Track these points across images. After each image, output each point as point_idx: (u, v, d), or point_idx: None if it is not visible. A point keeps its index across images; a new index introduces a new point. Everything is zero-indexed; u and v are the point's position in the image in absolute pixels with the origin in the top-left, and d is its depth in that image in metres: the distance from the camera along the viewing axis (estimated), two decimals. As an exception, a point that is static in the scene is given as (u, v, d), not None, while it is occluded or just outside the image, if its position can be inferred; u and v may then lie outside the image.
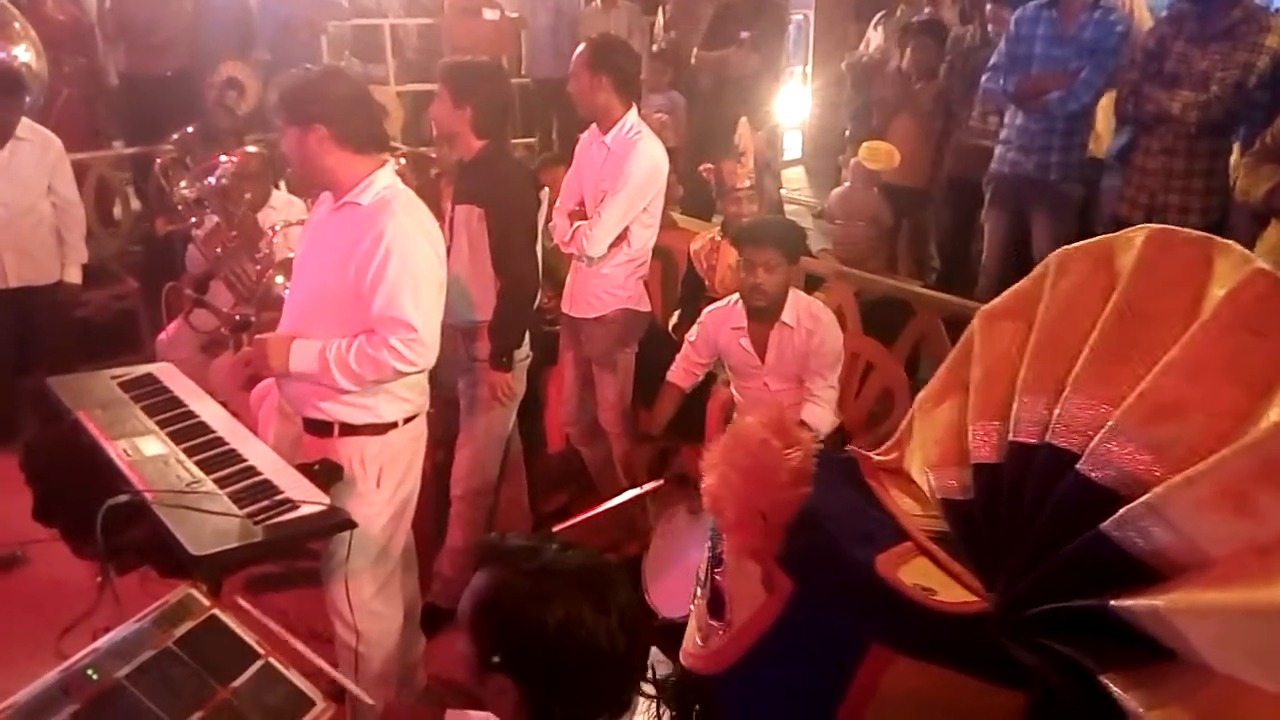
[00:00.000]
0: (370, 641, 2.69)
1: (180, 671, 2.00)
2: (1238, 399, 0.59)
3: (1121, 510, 0.59)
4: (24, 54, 4.60)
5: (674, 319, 4.37)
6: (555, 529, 3.07)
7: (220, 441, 2.56)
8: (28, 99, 4.36)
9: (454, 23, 6.81)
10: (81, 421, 2.61)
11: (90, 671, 1.93)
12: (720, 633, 0.66)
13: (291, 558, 3.22)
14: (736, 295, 3.41)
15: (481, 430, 3.44)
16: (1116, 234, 0.75)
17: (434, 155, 4.26)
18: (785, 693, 0.62)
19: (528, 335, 3.47)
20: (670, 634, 3.01)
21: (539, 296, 3.47)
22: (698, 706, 0.68)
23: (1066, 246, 0.76)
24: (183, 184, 4.21)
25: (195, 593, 2.16)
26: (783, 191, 7.45)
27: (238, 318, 3.57)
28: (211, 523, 2.23)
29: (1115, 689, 0.53)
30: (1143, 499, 0.58)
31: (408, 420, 2.69)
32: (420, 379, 2.72)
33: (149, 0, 5.83)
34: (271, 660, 1.97)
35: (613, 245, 3.52)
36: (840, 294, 3.86)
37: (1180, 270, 0.68)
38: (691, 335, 3.56)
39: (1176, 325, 0.64)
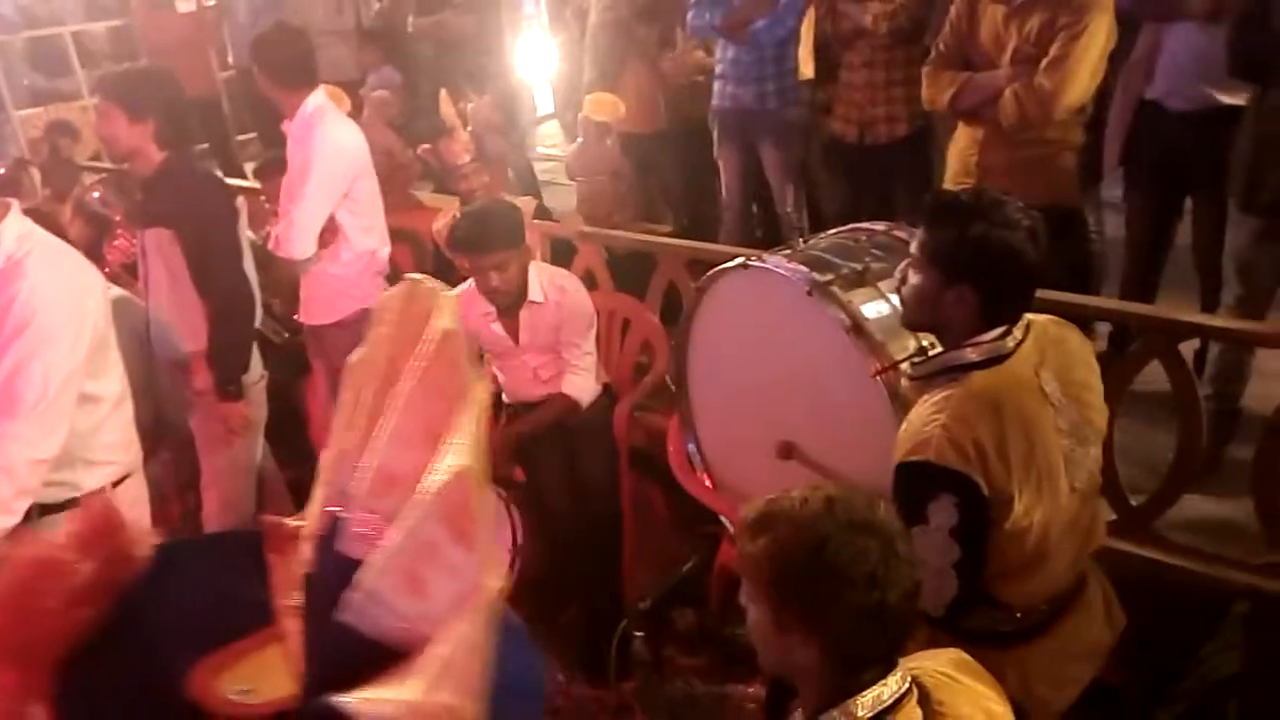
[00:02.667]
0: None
1: None
2: (424, 454, 0.55)
3: (352, 597, 0.53)
4: None
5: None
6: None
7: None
8: None
9: (146, 20, 6.22)
10: None
11: None
12: None
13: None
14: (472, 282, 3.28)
15: (224, 466, 3.19)
16: (418, 279, 0.67)
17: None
18: None
19: (257, 354, 3.22)
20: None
21: (258, 313, 3.21)
22: None
23: (388, 292, 0.67)
24: None
25: None
26: (539, 149, 7.33)
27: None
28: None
29: None
30: (361, 586, 0.53)
31: (117, 484, 2.39)
32: (122, 433, 2.41)
33: None
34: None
35: (328, 243, 3.31)
36: (588, 254, 3.80)
37: (415, 325, 0.62)
38: (441, 323, 3.41)
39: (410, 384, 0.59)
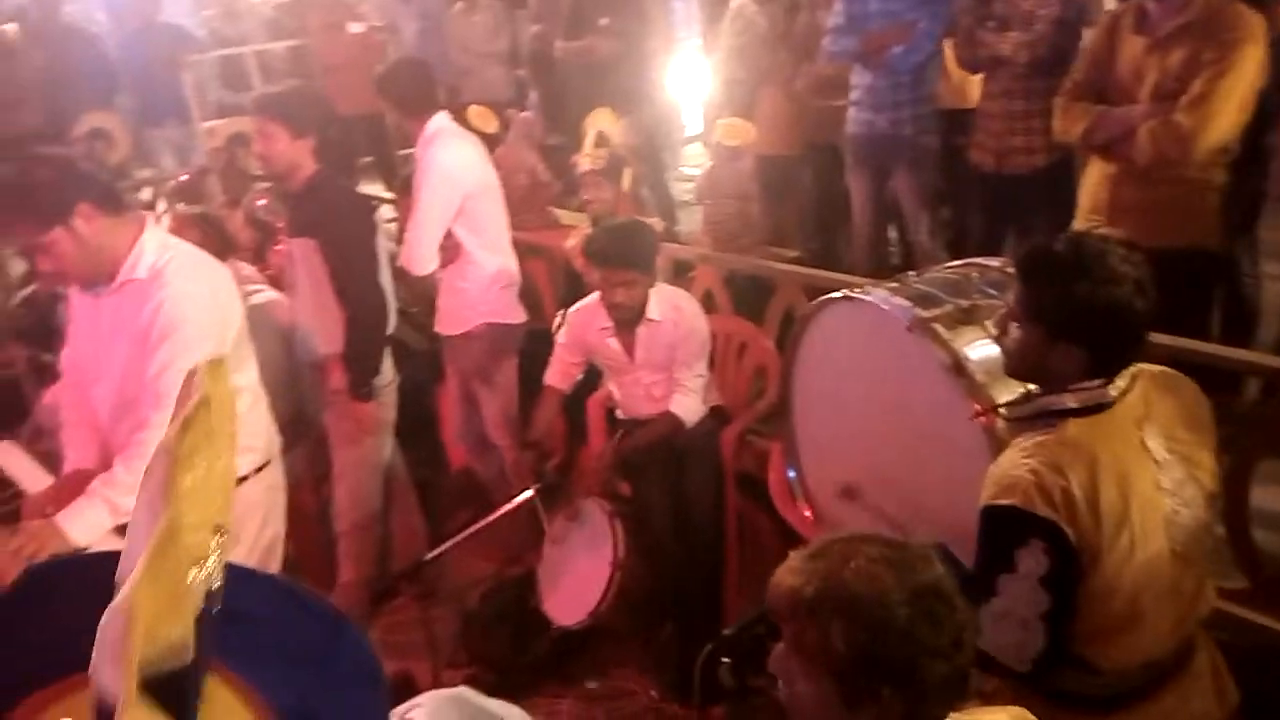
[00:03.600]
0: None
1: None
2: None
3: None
4: None
5: (559, 319, 4.32)
6: (430, 554, 3.04)
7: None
8: None
9: (320, 40, 6.68)
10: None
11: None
12: None
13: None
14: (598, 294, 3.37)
15: (354, 464, 3.39)
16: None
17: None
18: None
19: (390, 359, 3.41)
20: (569, 643, 2.97)
21: (392, 320, 3.40)
22: None
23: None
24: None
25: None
26: (682, 169, 7.42)
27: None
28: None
29: None
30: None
31: (258, 470, 2.60)
32: (260, 424, 2.63)
33: (-2, 60, 5.67)
34: None
35: (451, 259, 3.47)
36: (708, 276, 3.84)
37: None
38: (561, 336, 3.52)
39: None
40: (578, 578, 3.23)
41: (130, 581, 0.51)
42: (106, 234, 2.24)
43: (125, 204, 2.39)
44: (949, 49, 3.83)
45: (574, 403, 3.66)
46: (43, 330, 4.74)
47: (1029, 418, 1.84)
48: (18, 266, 5.79)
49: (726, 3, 5.09)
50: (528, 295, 4.05)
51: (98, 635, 0.53)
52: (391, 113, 3.56)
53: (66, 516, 2.18)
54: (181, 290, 2.26)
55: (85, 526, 2.16)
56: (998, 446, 2.01)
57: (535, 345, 3.77)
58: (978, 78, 3.75)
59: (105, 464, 2.34)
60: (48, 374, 4.10)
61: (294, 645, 0.65)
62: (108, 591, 0.55)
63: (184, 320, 2.26)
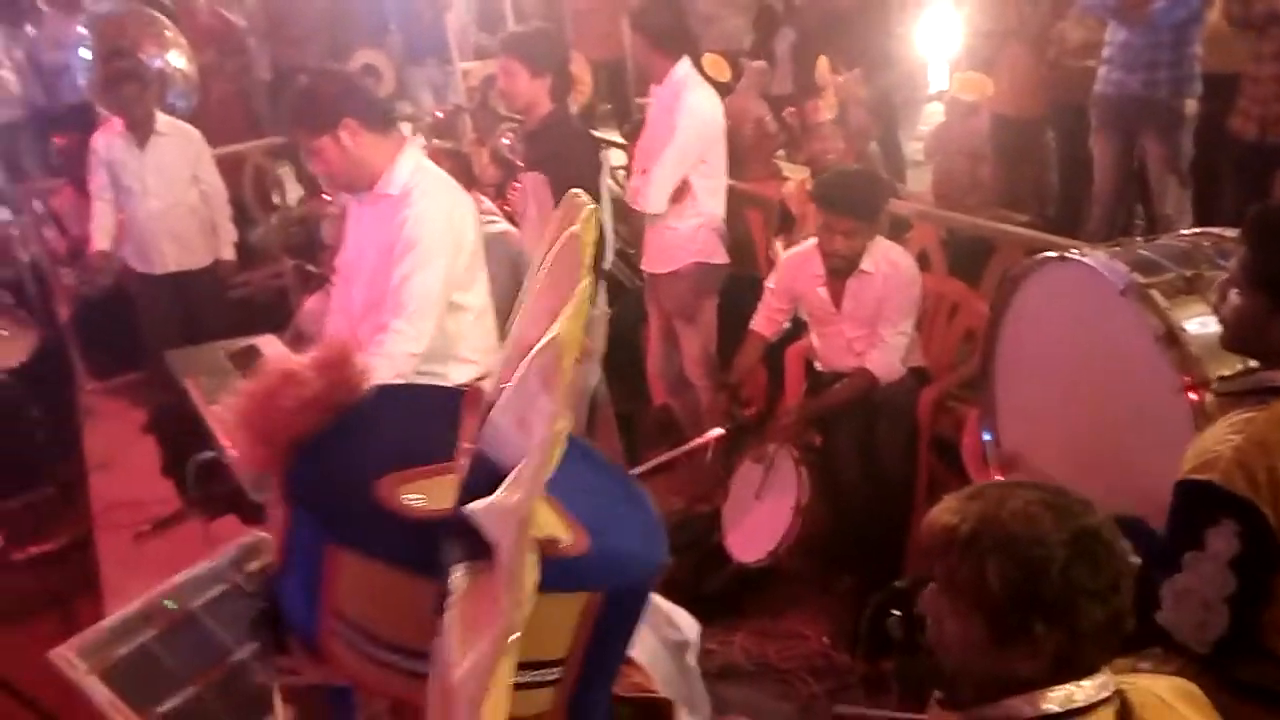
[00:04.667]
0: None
1: (245, 605, 2.29)
2: (541, 327, 0.68)
3: (482, 431, 0.69)
4: (175, 59, 5.11)
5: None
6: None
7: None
8: (176, 99, 4.84)
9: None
10: (188, 389, 2.96)
11: (168, 602, 2.23)
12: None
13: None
14: (814, 240, 3.38)
15: (560, 386, 3.60)
16: (576, 193, 0.81)
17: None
18: (301, 591, 0.73)
19: (603, 291, 3.59)
20: (746, 580, 3.08)
21: (609, 256, 3.57)
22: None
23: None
24: (323, 164, 4.59)
25: (266, 536, 2.44)
26: (920, 128, 7.19)
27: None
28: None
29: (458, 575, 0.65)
30: (489, 422, 0.68)
31: (479, 379, 2.83)
32: (484, 338, 2.83)
33: (289, -1, 6.32)
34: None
35: (677, 200, 3.57)
36: (925, 234, 3.76)
37: (560, 217, 0.75)
38: (771, 282, 3.56)
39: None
40: (760, 518, 3.31)
41: (560, 321, 0.67)
42: (368, 148, 2.50)
43: (389, 125, 2.63)
44: (1216, 4, 3.51)
45: (774, 351, 3.71)
46: (309, 244, 5.31)
47: (1241, 393, 1.74)
48: (294, 190, 6.48)
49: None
50: (741, 243, 4.12)
51: (521, 371, 0.69)
52: (642, 48, 3.60)
53: None
54: (424, 209, 2.50)
55: None
56: (1205, 423, 1.91)
57: (740, 290, 3.85)
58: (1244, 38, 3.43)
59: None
60: (311, 282, 4.61)
61: (587, 483, 0.80)
62: (431, 411, 0.77)
63: (423, 236, 2.50)
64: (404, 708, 0.73)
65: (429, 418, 0.81)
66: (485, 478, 0.67)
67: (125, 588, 2.82)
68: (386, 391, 0.85)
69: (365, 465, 0.75)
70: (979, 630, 1.35)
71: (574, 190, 0.81)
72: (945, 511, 1.42)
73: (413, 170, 2.56)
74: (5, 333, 4.77)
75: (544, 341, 0.66)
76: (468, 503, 0.67)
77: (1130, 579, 1.31)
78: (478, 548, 0.65)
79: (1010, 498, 1.37)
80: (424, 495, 0.73)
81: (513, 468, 0.66)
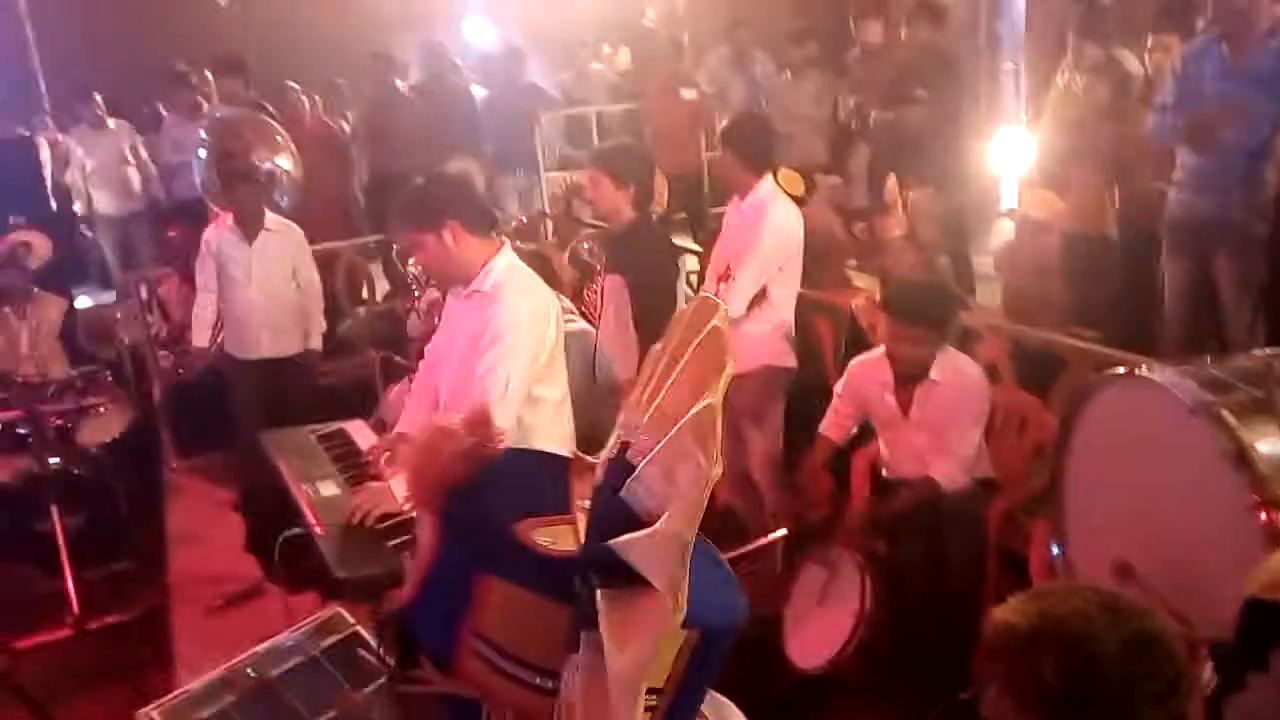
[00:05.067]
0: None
1: (321, 677, 2.37)
2: (690, 400, 0.79)
3: (628, 481, 0.81)
4: (283, 162, 5.47)
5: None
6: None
7: (385, 486, 2.95)
8: (282, 198, 5.19)
9: (655, 104, 7.29)
10: (280, 468, 3.11)
11: (250, 670, 2.34)
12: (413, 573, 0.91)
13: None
14: (883, 347, 3.45)
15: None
16: (707, 295, 0.94)
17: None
18: (439, 615, 0.86)
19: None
20: (805, 688, 3.06)
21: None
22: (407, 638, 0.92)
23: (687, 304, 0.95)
24: (411, 262, 4.84)
25: (344, 612, 2.54)
26: (994, 243, 7.28)
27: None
28: (360, 551, 2.60)
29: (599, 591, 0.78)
30: (633, 474, 0.80)
31: None
32: (561, 430, 2.94)
33: (390, 109, 6.75)
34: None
35: (754, 305, 3.69)
36: (994, 348, 3.80)
37: (698, 325, 0.87)
38: (839, 388, 3.63)
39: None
40: (822, 624, 3.30)
41: (711, 393, 0.80)
42: (468, 248, 2.70)
43: (489, 229, 2.83)
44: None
45: (842, 457, 3.75)
46: (394, 337, 5.55)
47: (1311, 514, 1.75)
48: (383, 287, 6.80)
49: (1054, 78, 5.02)
50: (810, 349, 4.20)
51: (672, 432, 0.81)
52: (730, 163, 3.76)
53: (397, 481, 2.63)
54: (514, 305, 2.67)
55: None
56: (1275, 543, 1.91)
57: (806, 395, 3.92)
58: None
59: None
60: (395, 372, 4.81)
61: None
62: (548, 472, 0.97)
63: (509, 330, 2.65)
64: (525, 716, 0.86)
65: (547, 477, 0.95)
66: (619, 521, 0.79)
67: (197, 660, 2.95)
68: (516, 452, 1.00)
69: (506, 510, 0.89)
70: None
71: (705, 294, 0.95)
72: (1007, 611, 1.46)
73: (505, 269, 2.73)
74: (103, 410, 5.05)
75: (700, 406, 0.78)
76: (599, 540, 0.79)
77: (1191, 683, 1.33)
78: (616, 575, 0.77)
79: (1070, 598, 1.40)
80: (550, 538, 0.86)
81: (652, 512, 0.77)
